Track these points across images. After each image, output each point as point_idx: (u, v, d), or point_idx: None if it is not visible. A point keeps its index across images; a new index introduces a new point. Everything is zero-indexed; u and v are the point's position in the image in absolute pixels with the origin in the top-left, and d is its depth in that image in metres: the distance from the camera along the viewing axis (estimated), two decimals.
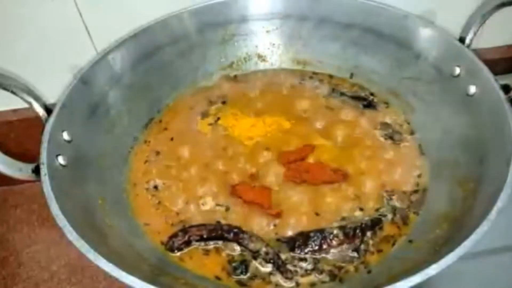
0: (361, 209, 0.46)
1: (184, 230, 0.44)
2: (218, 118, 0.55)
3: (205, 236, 0.44)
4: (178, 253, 0.43)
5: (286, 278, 0.41)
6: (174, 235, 0.44)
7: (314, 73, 0.59)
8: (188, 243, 0.43)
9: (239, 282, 0.41)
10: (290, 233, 0.44)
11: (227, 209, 0.46)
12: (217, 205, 0.47)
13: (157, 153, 0.52)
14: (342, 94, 0.57)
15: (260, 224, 0.45)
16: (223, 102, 0.57)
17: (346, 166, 0.49)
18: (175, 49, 0.55)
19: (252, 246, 0.42)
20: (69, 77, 0.48)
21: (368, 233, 0.44)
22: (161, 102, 0.56)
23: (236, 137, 0.53)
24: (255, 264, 0.42)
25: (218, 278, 0.42)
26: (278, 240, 0.44)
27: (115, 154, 0.50)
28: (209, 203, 0.47)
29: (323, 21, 0.57)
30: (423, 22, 0.52)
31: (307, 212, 0.45)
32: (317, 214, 0.45)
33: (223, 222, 0.45)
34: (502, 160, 0.40)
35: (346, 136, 0.52)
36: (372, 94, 0.57)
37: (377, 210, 0.46)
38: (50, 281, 0.51)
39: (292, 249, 0.43)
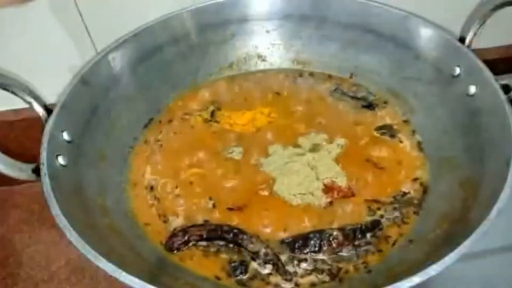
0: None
1: (184, 230, 0.44)
2: (217, 117, 0.55)
3: (205, 236, 0.44)
4: (178, 253, 0.43)
5: (285, 279, 0.41)
6: (174, 235, 0.44)
7: (314, 73, 0.59)
8: (188, 243, 0.43)
9: (239, 282, 0.41)
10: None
11: (228, 209, 0.46)
12: (218, 204, 0.47)
13: (157, 153, 0.52)
14: (342, 94, 0.57)
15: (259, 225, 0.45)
16: (223, 102, 0.57)
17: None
18: (175, 49, 0.55)
19: (251, 247, 0.42)
20: (69, 77, 0.48)
21: (368, 235, 0.44)
22: (161, 102, 0.56)
23: (238, 132, 0.53)
24: (254, 264, 0.42)
25: (217, 278, 0.42)
26: (278, 241, 0.44)
27: (115, 154, 0.50)
28: (210, 203, 0.47)
29: (323, 21, 0.57)
30: (423, 22, 0.52)
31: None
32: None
33: (223, 222, 0.45)
34: (502, 160, 0.40)
35: (345, 137, 0.52)
36: (372, 94, 0.57)
37: (377, 210, 0.46)
38: (50, 281, 0.51)
39: (292, 250, 0.43)
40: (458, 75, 0.49)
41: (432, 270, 0.33)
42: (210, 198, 0.47)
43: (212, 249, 0.43)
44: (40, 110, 0.44)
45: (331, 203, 0.46)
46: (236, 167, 0.50)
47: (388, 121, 0.54)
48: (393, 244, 0.43)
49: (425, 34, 0.52)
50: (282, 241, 0.44)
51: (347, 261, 0.42)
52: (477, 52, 0.49)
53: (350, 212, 0.45)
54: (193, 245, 0.43)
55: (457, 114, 0.49)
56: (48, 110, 0.44)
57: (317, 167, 0.48)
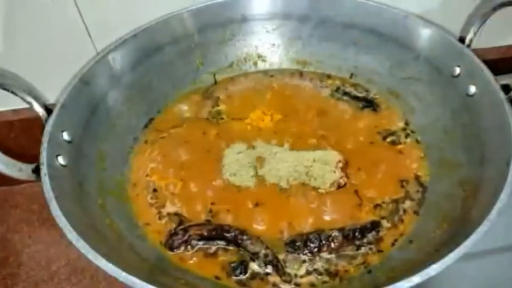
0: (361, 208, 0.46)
1: (184, 229, 0.44)
2: (217, 117, 0.55)
3: (205, 236, 0.44)
4: (178, 253, 0.43)
5: (285, 280, 0.41)
6: (174, 234, 0.44)
7: (314, 73, 0.59)
8: (187, 242, 0.43)
9: (239, 282, 0.41)
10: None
11: (228, 209, 0.46)
12: (218, 204, 0.47)
13: (157, 153, 0.52)
14: (342, 94, 0.57)
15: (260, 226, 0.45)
16: (224, 102, 0.57)
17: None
18: (175, 49, 0.55)
19: (251, 247, 0.42)
20: (69, 77, 0.48)
21: (368, 235, 0.44)
22: (161, 102, 0.56)
23: (238, 132, 0.53)
24: (254, 265, 0.42)
25: (217, 278, 0.42)
26: (278, 241, 0.44)
27: (115, 154, 0.50)
28: (210, 203, 0.47)
29: (323, 21, 0.57)
30: (423, 22, 0.52)
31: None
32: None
33: (223, 222, 0.45)
34: (502, 160, 0.40)
35: (346, 136, 0.52)
36: (372, 94, 0.57)
37: (377, 210, 0.46)
38: (50, 281, 0.51)
39: (291, 251, 0.43)
40: (458, 75, 0.49)
41: (432, 270, 0.33)
42: (211, 198, 0.47)
43: (212, 249, 0.43)
44: (40, 110, 0.44)
45: (332, 197, 0.46)
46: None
47: (388, 121, 0.54)
48: (393, 244, 0.43)
49: (425, 34, 0.52)
50: (282, 242, 0.43)
51: (347, 261, 0.42)
52: (477, 52, 0.49)
53: (350, 212, 0.45)
54: (193, 245, 0.43)
55: (457, 114, 0.49)
56: (48, 110, 0.44)
57: (318, 170, 0.48)
